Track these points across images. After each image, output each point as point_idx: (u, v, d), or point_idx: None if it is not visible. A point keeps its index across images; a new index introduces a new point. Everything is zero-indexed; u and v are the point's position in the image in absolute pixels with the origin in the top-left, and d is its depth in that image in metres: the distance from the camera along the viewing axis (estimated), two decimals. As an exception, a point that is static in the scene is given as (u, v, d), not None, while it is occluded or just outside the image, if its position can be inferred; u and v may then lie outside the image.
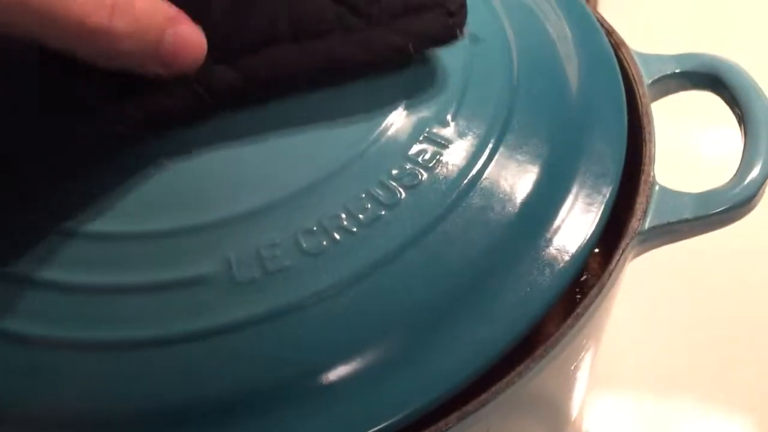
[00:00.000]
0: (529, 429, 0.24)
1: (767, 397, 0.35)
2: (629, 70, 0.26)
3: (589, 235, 0.20)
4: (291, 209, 0.19)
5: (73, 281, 0.19)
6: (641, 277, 0.37)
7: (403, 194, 0.19)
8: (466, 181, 0.20)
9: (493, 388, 0.19)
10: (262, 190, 0.19)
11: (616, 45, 0.26)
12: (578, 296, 0.23)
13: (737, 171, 0.23)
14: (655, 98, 0.27)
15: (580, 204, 0.21)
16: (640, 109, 0.25)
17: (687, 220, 0.22)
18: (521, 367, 0.19)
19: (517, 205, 0.20)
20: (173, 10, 0.19)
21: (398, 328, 0.18)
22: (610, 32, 0.27)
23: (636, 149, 0.24)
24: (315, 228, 0.19)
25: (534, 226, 0.20)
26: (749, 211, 0.23)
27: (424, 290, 0.19)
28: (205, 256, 0.19)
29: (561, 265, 0.19)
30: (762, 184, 0.23)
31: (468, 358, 0.18)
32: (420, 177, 0.20)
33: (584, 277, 0.24)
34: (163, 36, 0.19)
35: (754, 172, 0.23)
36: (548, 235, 0.20)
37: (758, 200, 0.23)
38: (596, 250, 0.25)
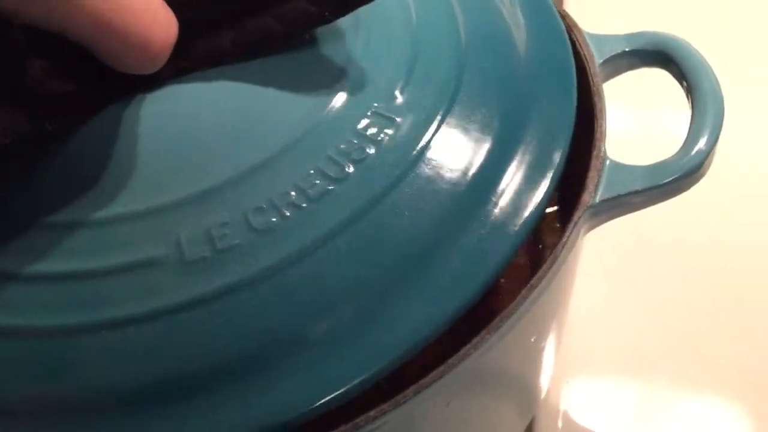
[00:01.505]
0: (493, 404, 0.24)
1: (742, 372, 0.35)
2: (581, 51, 0.26)
3: (537, 203, 0.20)
4: (241, 188, 0.19)
5: (24, 270, 0.19)
6: (617, 255, 0.37)
7: (352, 168, 0.19)
8: (414, 153, 0.20)
9: (450, 360, 0.19)
10: (212, 171, 0.19)
11: (569, 27, 0.27)
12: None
13: (685, 142, 0.23)
14: (608, 77, 0.27)
15: (529, 172, 0.21)
16: (593, 89, 0.25)
17: (637, 192, 0.23)
18: (477, 339, 0.19)
19: (466, 175, 0.20)
20: None
21: (347, 301, 0.18)
22: (563, 15, 0.27)
23: (590, 129, 0.24)
24: (264, 205, 0.19)
25: (482, 195, 0.20)
26: (697, 180, 0.23)
27: (373, 262, 0.19)
28: (155, 239, 0.19)
29: (510, 232, 0.20)
30: (708, 153, 0.23)
31: (416, 328, 0.18)
32: (368, 151, 0.20)
33: (540, 247, 0.24)
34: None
35: (701, 143, 0.23)
36: (497, 203, 0.20)
37: (706, 169, 0.23)
38: (557, 225, 0.26)
